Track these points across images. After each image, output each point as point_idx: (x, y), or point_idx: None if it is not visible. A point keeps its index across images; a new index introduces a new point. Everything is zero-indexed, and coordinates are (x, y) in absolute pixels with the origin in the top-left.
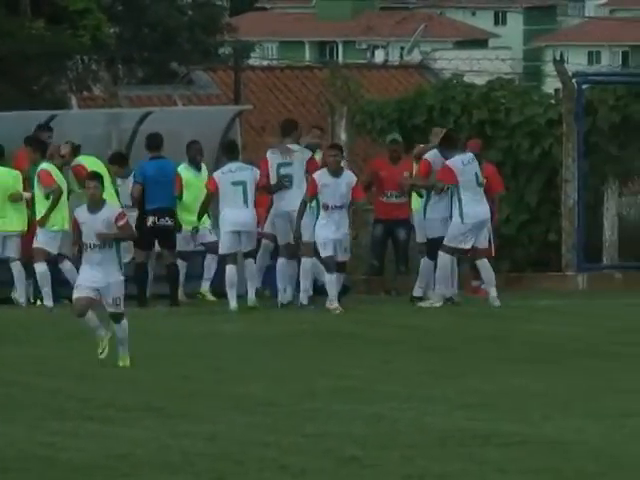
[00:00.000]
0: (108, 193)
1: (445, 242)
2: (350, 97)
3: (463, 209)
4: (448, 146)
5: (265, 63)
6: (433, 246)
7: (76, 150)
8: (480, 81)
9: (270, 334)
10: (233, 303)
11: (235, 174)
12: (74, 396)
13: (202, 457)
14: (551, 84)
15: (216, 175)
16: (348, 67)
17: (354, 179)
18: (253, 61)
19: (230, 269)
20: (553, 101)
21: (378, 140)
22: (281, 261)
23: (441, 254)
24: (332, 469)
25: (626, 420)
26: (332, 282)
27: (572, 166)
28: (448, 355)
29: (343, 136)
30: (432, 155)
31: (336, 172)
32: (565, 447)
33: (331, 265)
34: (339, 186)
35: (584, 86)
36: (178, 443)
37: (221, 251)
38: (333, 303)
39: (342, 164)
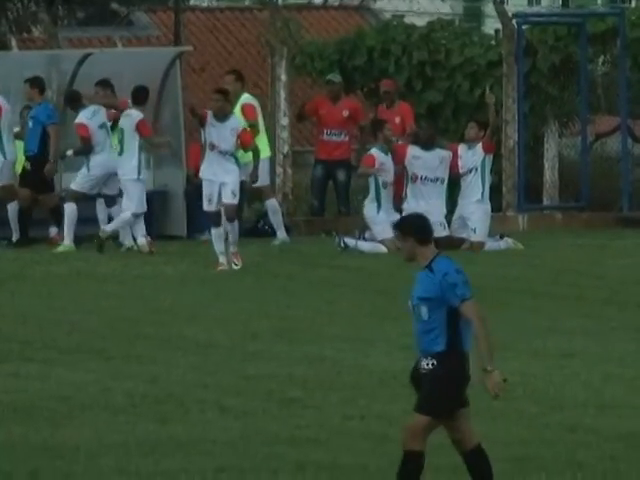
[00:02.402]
0: None
1: None
2: (290, 38)
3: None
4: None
5: (205, 4)
6: None
7: None
8: (420, 22)
9: (211, 276)
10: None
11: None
12: (14, 339)
13: (144, 399)
14: (491, 25)
15: (85, 120)
16: (288, 8)
17: (239, 125)
18: (193, 2)
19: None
20: (493, 42)
21: (318, 81)
22: None
23: None
24: (273, 410)
25: (567, 361)
26: (217, 236)
27: (512, 107)
28: (391, 297)
29: (283, 77)
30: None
31: (220, 117)
32: (506, 388)
33: (214, 218)
34: (222, 130)
35: (524, 27)
36: (120, 385)
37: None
38: (220, 258)
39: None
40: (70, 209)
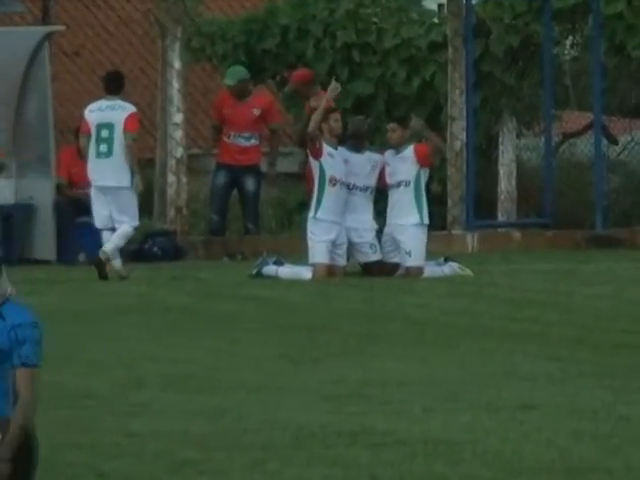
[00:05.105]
0: None
1: None
2: (185, 16)
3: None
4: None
5: None
6: None
7: None
8: None
9: (87, 309)
10: None
11: None
12: None
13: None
14: None
15: None
16: None
17: None
18: None
19: None
20: (436, 20)
21: (220, 68)
22: None
23: None
24: (163, 476)
25: (525, 414)
26: None
27: (459, 100)
28: (308, 335)
29: (176, 64)
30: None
31: None
32: (451, 448)
33: None
34: None
35: (474, 1)
36: None
37: None
38: None
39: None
40: None
